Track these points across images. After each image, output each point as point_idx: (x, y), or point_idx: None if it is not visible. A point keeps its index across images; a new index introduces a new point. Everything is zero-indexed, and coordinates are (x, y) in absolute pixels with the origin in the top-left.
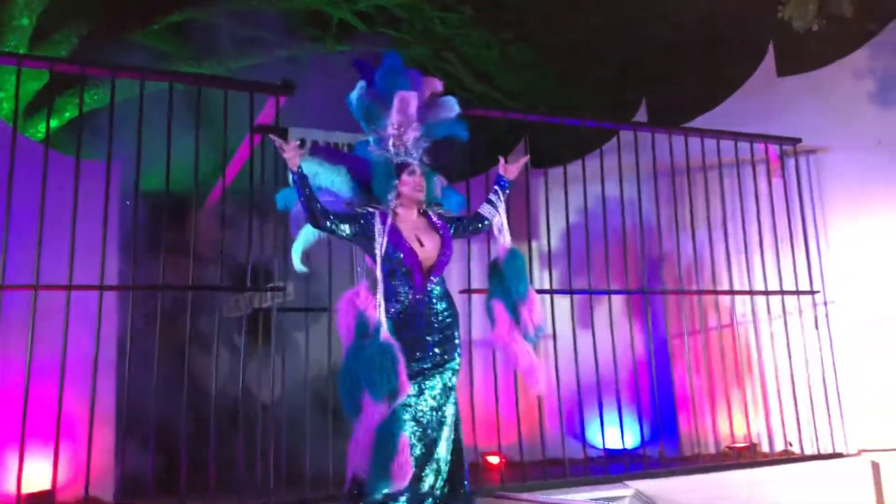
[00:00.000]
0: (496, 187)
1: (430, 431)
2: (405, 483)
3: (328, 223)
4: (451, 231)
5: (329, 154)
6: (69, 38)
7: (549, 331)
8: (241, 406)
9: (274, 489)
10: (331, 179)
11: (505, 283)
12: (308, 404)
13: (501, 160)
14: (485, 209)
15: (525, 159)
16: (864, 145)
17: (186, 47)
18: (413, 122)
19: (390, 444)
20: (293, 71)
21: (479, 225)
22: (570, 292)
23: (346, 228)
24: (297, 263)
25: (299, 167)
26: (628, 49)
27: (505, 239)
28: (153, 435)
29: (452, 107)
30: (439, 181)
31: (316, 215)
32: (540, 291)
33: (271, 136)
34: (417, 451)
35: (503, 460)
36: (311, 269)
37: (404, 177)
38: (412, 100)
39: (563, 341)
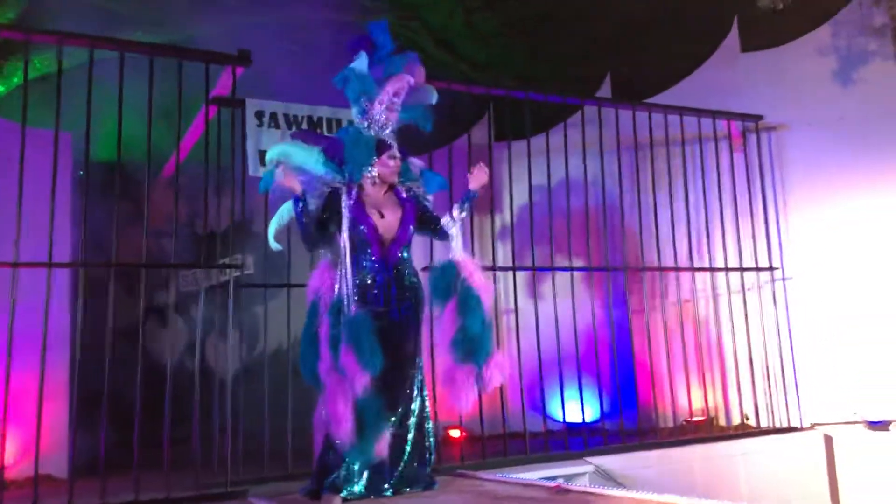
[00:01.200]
0: (462, 201)
1: (399, 402)
2: (385, 453)
3: (321, 242)
4: (418, 212)
5: (307, 137)
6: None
7: (511, 306)
8: (198, 382)
9: (232, 467)
10: (304, 159)
11: (468, 338)
12: (267, 380)
13: (470, 175)
14: (447, 223)
15: (485, 177)
16: (825, 123)
17: (142, 11)
18: (399, 103)
19: (377, 416)
20: (252, 39)
21: (438, 234)
22: (532, 269)
23: (329, 227)
24: (272, 241)
25: (302, 192)
26: (594, 23)
27: (456, 252)
28: (107, 411)
29: (431, 96)
30: (417, 162)
31: (311, 240)
32: (502, 268)
33: (278, 170)
34: (403, 421)
35: (464, 434)
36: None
37: (385, 157)
38: (410, 83)
39: (524, 316)
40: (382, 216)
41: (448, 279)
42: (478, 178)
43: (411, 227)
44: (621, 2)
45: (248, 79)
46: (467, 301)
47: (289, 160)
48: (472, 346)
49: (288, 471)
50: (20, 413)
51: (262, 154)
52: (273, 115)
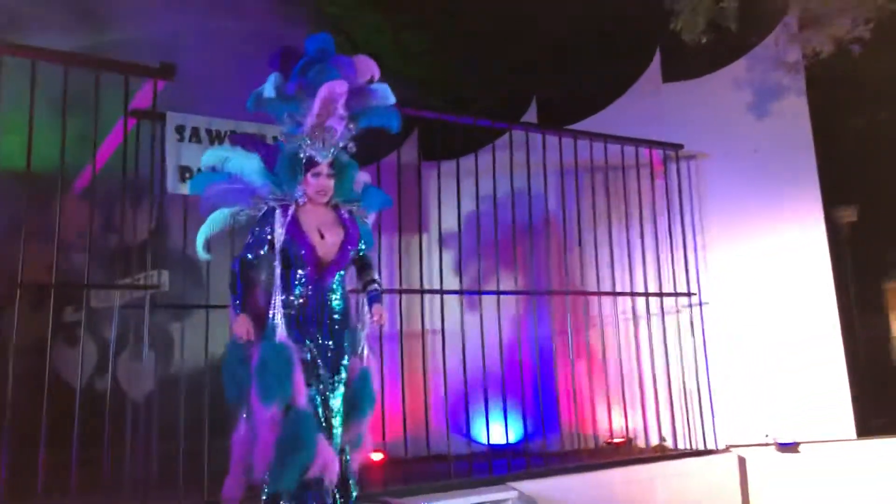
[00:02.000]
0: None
1: (326, 432)
2: (334, 477)
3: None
4: (359, 236)
5: (245, 142)
6: None
7: (438, 326)
8: (108, 402)
9: (145, 492)
10: (241, 165)
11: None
12: (182, 403)
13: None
14: (367, 279)
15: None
16: (741, 153)
17: (53, 11)
18: (338, 113)
19: (306, 446)
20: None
21: (361, 278)
22: (460, 293)
23: (267, 252)
24: (201, 250)
25: (240, 311)
26: (521, 44)
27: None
28: (7, 436)
29: (386, 96)
30: (362, 177)
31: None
32: (430, 291)
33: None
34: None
35: (386, 457)
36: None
37: (309, 177)
38: (339, 95)
39: (451, 337)
40: (322, 237)
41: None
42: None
43: (351, 252)
44: (548, 25)
45: (168, 89)
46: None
47: (225, 165)
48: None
49: (204, 498)
50: None
51: (182, 169)
52: (195, 130)
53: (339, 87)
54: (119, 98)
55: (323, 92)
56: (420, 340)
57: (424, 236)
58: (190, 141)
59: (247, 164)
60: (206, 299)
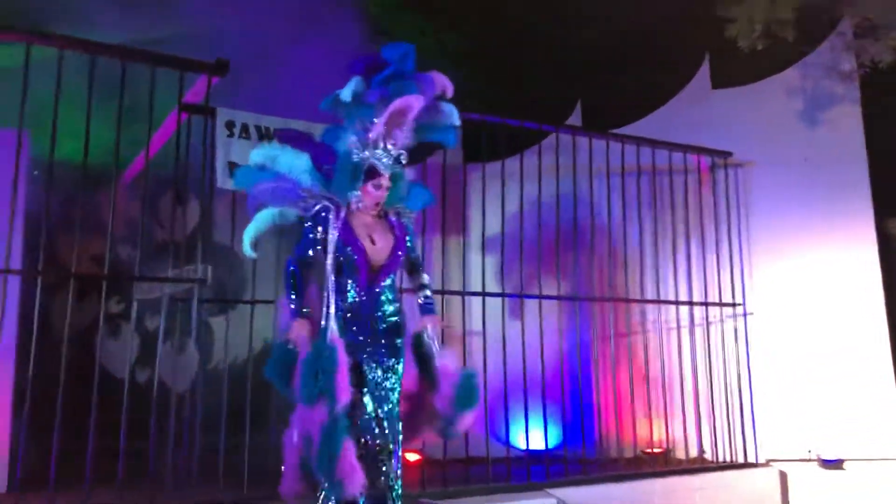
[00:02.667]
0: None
1: (377, 436)
2: (357, 489)
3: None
4: (407, 243)
5: (293, 137)
6: None
7: (478, 329)
8: (155, 394)
9: (186, 486)
10: (290, 165)
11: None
12: (225, 396)
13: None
14: (422, 290)
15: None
16: (791, 162)
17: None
18: (406, 125)
19: (333, 450)
20: (220, 45)
21: (415, 280)
22: (502, 295)
23: (319, 252)
24: (248, 248)
25: (299, 315)
26: (565, 48)
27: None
28: (59, 424)
29: (452, 115)
30: (408, 174)
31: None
32: (472, 294)
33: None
34: (369, 451)
35: (422, 458)
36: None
37: (369, 186)
38: (414, 109)
39: (492, 341)
40: (374, 242)
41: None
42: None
43: (401, 256)
44: (594, 30)
45: (215, 88)
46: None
47: (274, 164)
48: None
49: (244, 491)
50: None
51: (231, 165)
52: (244, 126)
53: (417, 102)
54: (166, 93)
55: (399, 104)
56: (461, 343)
57: (466, 238)
58: (239, 137)
59: (296, 163)
60: (252, 294)
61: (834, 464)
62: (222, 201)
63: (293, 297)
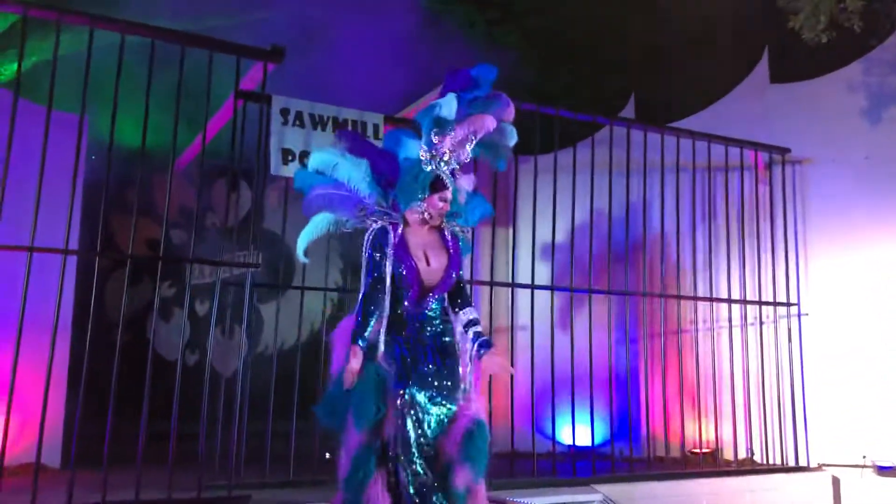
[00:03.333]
0: (475, 346)
1: (428, 434)
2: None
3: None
4: (461, 261)
5: (354, 141)
6: None
7: (526, 322)
8: (207, 378)
9: (234, 469)
10: (349, 174)
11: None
12: (273, 381)
13: (494, 352)
14: (465, 315)
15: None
16: (851, 160)
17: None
18: (472, 142)
19: (361, 475)
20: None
21: (454, 301)
22: (552, 289)
23: (386, 272)
24: (301, 254)
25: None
26: (619, 40)
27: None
28: (112, 403)
29: (511, 137)
30: (467, 186)
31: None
32: (522, 285)
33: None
34: (414, 452)
35: None
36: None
37: (436, 198)
38: (490, 126)
39: (540, 336)
40: (428, 262)
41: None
42: (492, 363)
43: (454, 276)
44: (650, 21)
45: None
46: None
47: (334, 171)
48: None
49: (290, 477)
50: (17, 400)
51: (285, 152)
52: (298, 114)
53: (491, 123)
54: (222, 80)
55: (478, 123)
56: (507, 335)
57: (516, 230)
58: (293, 124)
59: (355, 173)
60: (302, 281)
61: (890, 471)
62: (275, 188)
63: (360, 319)
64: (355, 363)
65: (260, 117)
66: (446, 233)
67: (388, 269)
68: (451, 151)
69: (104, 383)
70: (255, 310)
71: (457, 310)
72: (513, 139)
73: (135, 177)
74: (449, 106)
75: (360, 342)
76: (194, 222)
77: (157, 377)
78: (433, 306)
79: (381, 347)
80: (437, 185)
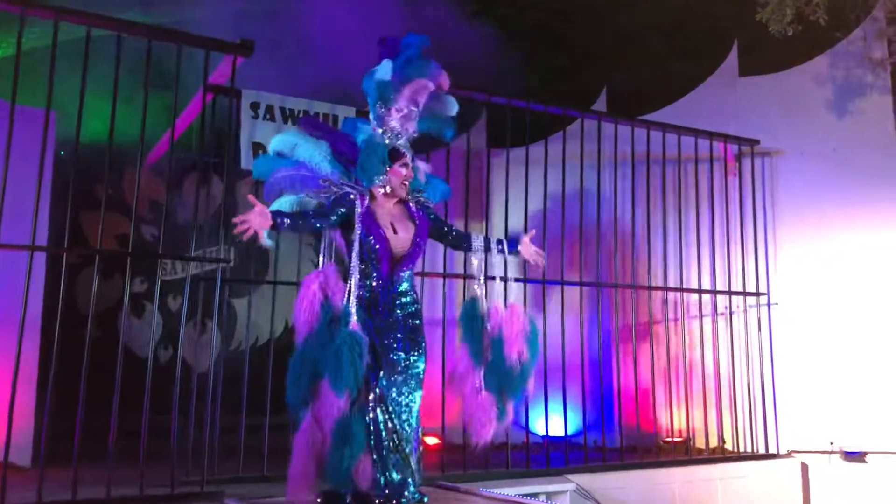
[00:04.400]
0: (504, 246)
1: (397, 425)
2: (367, 484)
3: (319, 226)
4: (430, 224)
5: (313, 126)
6: None
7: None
8: (178, 374)
9: (207, 464)
10: (310, 153)
11: (506, 379)
12: (247, 376)
13: (526, 238)
14: (478, 242)
15: (540, 256)
16: (819, 152)
17: None
18: (417, 111)
19: (352, 444)
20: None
21: (460, 245)
22: (525, 281)
23: (332, 220)
24: (265, 238)
25: (274, 218)
26: (590, 34)
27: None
28: (82, 400)
29: (451, 106)
30: (423, 167)
31: (311, 229)
32: (493, 278)
33: (249, 196)
34: (385, 444)
35: (442, 442)
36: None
37: (396, 167)
38: (428, 90)
39: None
40: (396, 231)
41: (477, 326)
42: (529, 253)
43: (422, 245)
44: (619, 17)
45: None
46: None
47: (294, 152)
48: (505, 384)
49: (264, 472)
50: None
51: (256, 146)
52: (269, 108)
53: (428, 85)
54: (191, 74)
55: (415, 85)
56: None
57: (489, 224)
58: (264, 118)
59: (316, 152)
60: (274, 276)
61: (856, 456)
62: (246, 183)
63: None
64: (261, 219)
65: (229, 111)
66: (411, 204)
67: (357, 238)
68: (400, 125)
69: (75, 380)
70: (227, 305)
71: (465, 244)
72: (453, 108)
73: (104, 172)
74: (384, 69)
75: (277, 217)
76: (162, 217)
77: (129, 373)
78: (404, 283)
79: (354, 317)
80: (395, 155)
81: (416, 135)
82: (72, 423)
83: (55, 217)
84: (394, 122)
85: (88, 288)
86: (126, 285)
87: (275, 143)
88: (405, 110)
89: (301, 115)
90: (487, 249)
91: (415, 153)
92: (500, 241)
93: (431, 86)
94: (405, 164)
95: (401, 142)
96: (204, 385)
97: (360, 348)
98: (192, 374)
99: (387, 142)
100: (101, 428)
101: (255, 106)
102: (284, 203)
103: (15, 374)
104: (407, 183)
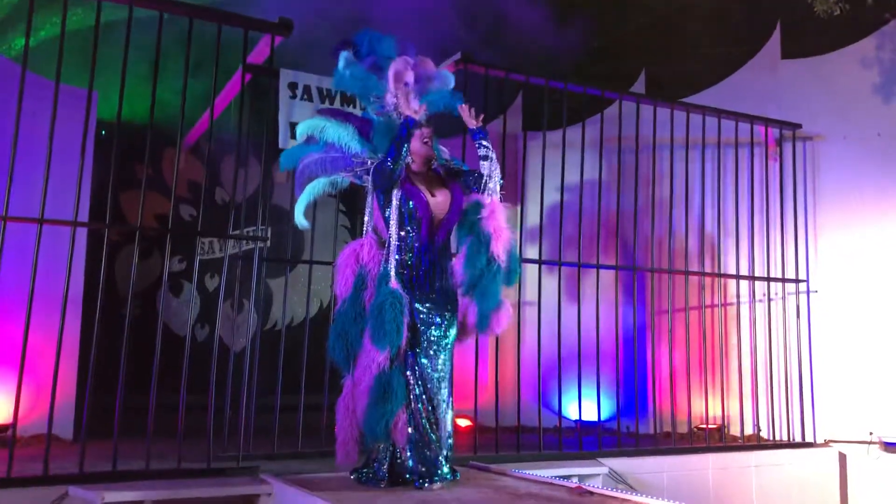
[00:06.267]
0: (479, 141)
1: (434, 390)
2: (403, 441)
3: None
4: (460, 186)
5: (336, 114)
6: None
7: (535, 300)
8: (215, 352)
9: (243, 440)
10: (338, 134)
11: (474, 276)
12: (282, 356)
13: (463, 110)
14: (484, 167)
15: (468, 112)
16: (862, 137)
17: None
18: (411, 88)
19: (391, 399)
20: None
21: (480, 183)
22: (559, 264)
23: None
24: (301, 219)
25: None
26: (630, 15)
27: (494, 194)
28: (122, 376)
29: (448, 80)
30: (445, 151)
31: (398, 158)
32: (528, 261)
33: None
34: (423, 411)
35: (474, 424)
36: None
37: (415, 141)
38: (406, 68)
39: (547, 312)
40: (433, 195)
41: (471, 217)
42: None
43: (460, 210)
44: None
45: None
46: (479, 240)
47: (322, 134)
48: (478, 289)
49: (298, 448)
50: (29, 371)
51: (293, 126)
52: (306, 88)
53: (403, 63)
54: (230, 54)
55: (392, 68)
56: (515, 311)
57: (524, 207)
58: (301, 98)
59: (343, 133)
60: (311, 256)
61: None
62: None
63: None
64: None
65: (268, 91)
66: (441, 172)
67: (395, 203)
68: (400, 105)
69: (115, 357)
70: (264, 285)
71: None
72: (450, 81)
73: (144, 152)
74: (341, 60)
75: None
76: (202, 196)
77: (167, 351)
78: (442, 243)
79: (393, 278)
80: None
81: (427, 114)
82: (112, 398)
83: (96, 196)
84: (393, 104)
85: (128, 267)
86: (165, 263)
87: (302, 127)
88: (395, 92)
89: (338, 95)
90: (491, 160)
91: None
92: (481, 147)
93: (407, 63)
94: (423, 137)
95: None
96: (240, 364)
97: (402, 306)
98: (229, 352)
99: (399, 117)
100: (141, 404)
101: (292, 86)
102: (316, 187)
103: (58, 350)
104: (427, 139)
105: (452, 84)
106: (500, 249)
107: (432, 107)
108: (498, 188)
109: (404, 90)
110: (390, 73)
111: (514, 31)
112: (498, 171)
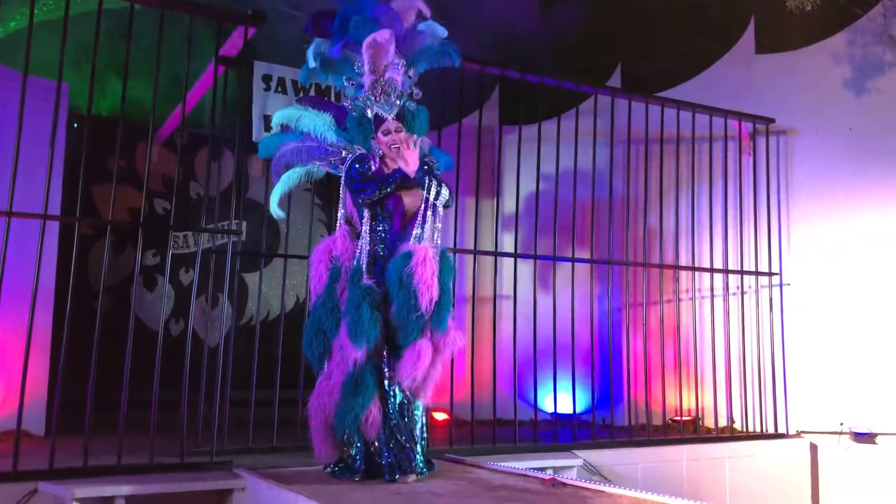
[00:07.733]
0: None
1: (395, 394)
2: (374, 434)
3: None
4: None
5: (315, 103)
6: None
7: (509, 292)
8: (189, 346)
9: (217, 436)
10: (314, 123)
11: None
12: (257, 350)
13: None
14: (442, 196)
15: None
16: (834, 131)
17: None
18: (393, 63)
19: (363, 393)
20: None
21: (434, 193)
22: (534, 257)
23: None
24: (275, 209)
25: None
26: (606, 9)
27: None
28: (93, 371)
29: (436, 32)
30: (426, 142)
31: (379, 195)
32: (504, 254)
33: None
34: (396, 404)
35: (450, 417)
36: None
37: (379, 135)
38: (385, 44)
39: (523, 305)
40: (407, 189)
41: (400, 271)
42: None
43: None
44: None
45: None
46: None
47: (298, 124)
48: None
49: (273, 443)
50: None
51: (267, 118)
52: (281, 80)
53: (381, 36)
54: (203, 46)
55: (368, 46)
56: (491, 305)
57: (500, 201)
58: (276, 91)
59: (320, 122)
60: (285, 250)
61: (866, 437)
62: (257, 156)
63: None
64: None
65: (239, 84)
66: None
67: (375, 196)
68: (379, 85)
69: (87, 351)
70: (239, 279)
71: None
72: (438, 33)
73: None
74: (310, 53)
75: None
76: (174, 190)
77: (140, 346)
78: (412, 240)
79: (366, 273)
80: (377, 122)
81: (414, 78)
82: (84, 393)
83: (68, 190)
84: (370, 85)
85: (100, 261)
86: (137, 257)
87: (278, 116)
88: (372, 71)
89: (312, 87)
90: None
91: (419, 104)
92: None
93: (384, 36)
94: (387, 131)
95: (385, 104)
96: (215, 358)
97: (377, 302)
98: (204, 347)
99: (375, 109)
100: (113, 399)
101: (266, 78)
102: (293, 175)
103: (28, 344)
104: (396, 147)
105: (443, 33)
106: (426, 303)
107: (423, 66)
108: (442, 210)
109: (384, 65)
110: (367, 49)
111: (491, 24)
112: (448, 199)
